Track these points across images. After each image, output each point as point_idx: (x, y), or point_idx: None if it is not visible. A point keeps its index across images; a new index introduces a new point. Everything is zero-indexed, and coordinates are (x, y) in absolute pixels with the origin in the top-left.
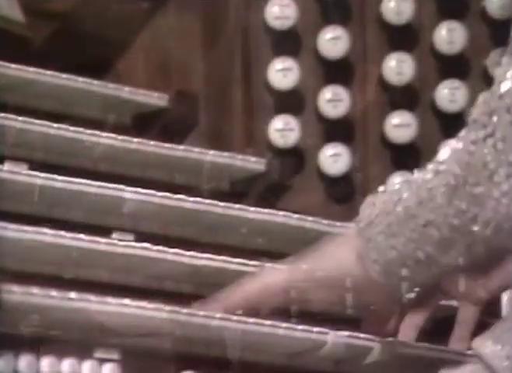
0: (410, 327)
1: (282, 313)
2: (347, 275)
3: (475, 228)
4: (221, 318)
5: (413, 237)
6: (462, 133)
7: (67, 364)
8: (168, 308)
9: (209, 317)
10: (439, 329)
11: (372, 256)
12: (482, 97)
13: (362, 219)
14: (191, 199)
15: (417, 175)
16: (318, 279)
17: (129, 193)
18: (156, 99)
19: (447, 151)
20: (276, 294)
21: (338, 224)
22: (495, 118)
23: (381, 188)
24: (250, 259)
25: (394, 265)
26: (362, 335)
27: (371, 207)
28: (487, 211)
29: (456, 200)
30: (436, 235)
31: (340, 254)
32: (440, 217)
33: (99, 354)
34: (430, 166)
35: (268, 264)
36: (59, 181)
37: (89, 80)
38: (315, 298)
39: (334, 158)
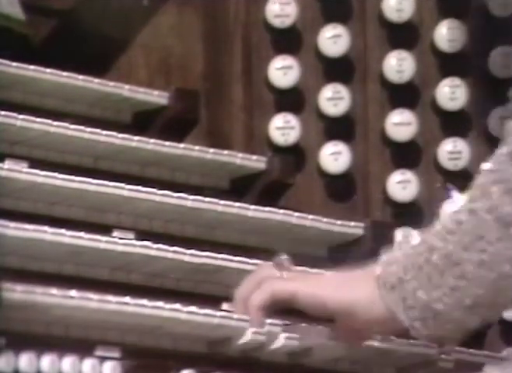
0: None
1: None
2: (357, 318)
3: None
4: (221, 317)
5: (459, 285)
6: (493, 166)
7: (68, 362)
8: (168, 306)
9: (210, 315)
10: None
11: (412, 313)
12: None
13: (388, 277)
14: (192, 197)
15: (443, 221)
16: (325, 307)
17: (129, 191)
18: (157, 96)
19: (473, 190)
20: (281, 302)
21: (339, 222)
22: None
23: (397, 242)
24: (251, 258)
25: (438, 318)
26: None
27: (393, 264)
28: None
29: None
30: (490, 275)
31: (357, 299)
32: (496, 255)
33: (99, 352)
34: (457, 209)
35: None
36: (59, 179)
37: (89, 78)
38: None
39: (334, 156)
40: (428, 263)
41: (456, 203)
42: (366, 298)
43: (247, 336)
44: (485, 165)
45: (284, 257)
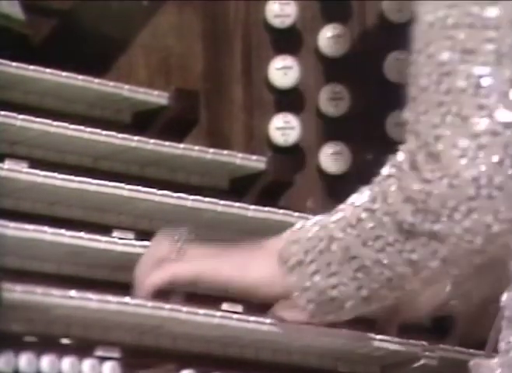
0: None
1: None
2: (260, 295)
3: (434, 264)
4: (221, 317)
5: (357, 276)
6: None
7: (67, 362)
8: (168, 306)
9: (210, 315)
10: (438, 327)
11: (308, 295)
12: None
13: (288, 257)
14: (192, 197)
15: (345, 211)
16: (228, 286)
17: (129, 191)
18: (156, 97)
19: (373, 190)
20: (184, 283)
21: None
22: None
23: (298, 225)
24: None
25: (332, 303)
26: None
27: (295, 244)
28: (448, 247)
29: (413, 237)
30: (387, 273)
31: (259, 277)
32: (393, 255)
33: (99, 352)
34: (360, 202)
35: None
36: (59, 179)
37: (89, 78)
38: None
39: (334, 157)
40: (328, 251)
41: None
42: (267, 275)
43: None
44: (385, 170)
45: (182, 233)
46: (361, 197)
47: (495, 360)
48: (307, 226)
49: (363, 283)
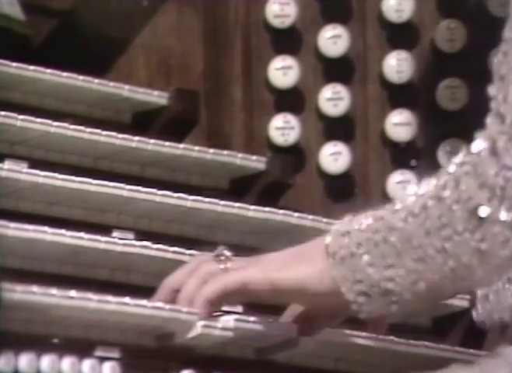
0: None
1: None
2: (308, 294)
3: (504, 253)
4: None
5: (416, 268)
6: (465, 159)
7: (67, 362)
8: (168, 306)
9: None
10: (438, 327)
11: (358, 287)
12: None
13: (338, 249)
14: (192, 197)
15: (405, 202)
16: (276, 288)
17: (129, 191)
18: (156, 97)
19: (442, 178)
20: (233, 294)
21: (338, 222)
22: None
23: (347, 218)
24: None
25: (385, 297)
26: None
27: (345, 236)
28: None
29: (485, 225)
30: (451, 264)
31: (306, 273)
32: (460, 245)
33: (99, 353)
34: (424, 191)
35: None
36: (59, 179)
37: (89, 78)
38: (266, 301)
39: (334, 157)
40: (385, 242)
41: (417, 185)
42: (315, 270)
43: (197, 330)
44: (458, 158)
45: (224, 249)
46: (425, 187)
47: None
48: (358, 218)
49: (422, 275)
